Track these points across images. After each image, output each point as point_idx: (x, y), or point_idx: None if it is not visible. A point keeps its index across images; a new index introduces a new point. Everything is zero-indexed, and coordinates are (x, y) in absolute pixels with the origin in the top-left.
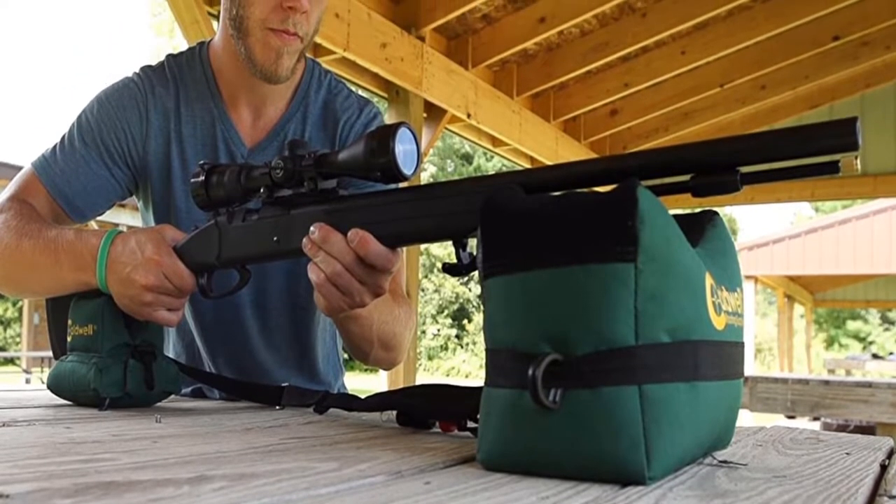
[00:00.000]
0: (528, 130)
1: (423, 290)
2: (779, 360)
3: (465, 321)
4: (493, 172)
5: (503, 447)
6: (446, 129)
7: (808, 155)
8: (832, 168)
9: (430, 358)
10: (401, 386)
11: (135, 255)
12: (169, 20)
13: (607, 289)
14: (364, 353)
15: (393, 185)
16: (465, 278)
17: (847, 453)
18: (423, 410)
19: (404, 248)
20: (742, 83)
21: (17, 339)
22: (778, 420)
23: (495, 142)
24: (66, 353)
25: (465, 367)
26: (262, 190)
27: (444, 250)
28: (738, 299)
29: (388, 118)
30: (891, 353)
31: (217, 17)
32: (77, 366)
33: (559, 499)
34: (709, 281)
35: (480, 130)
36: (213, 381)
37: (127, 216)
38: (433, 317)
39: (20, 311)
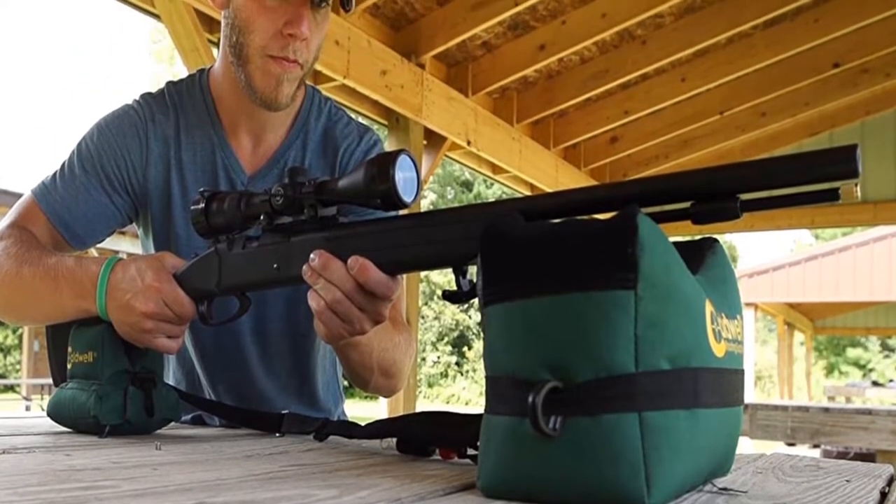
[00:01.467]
0: (529, 158)
1: (423, 318)
2: (779, 388)
3: (466, 348)
4: (493, 200)
5: (503, 474)
6: (446, 156)
7: (808, 182)
8: (832, 195)
9: (430, 385)
10: (401, 413)
11: (135, 282)
12: (169, 47)
13: (607, 316)
14: (364, 381)
15: (393, 213)
16: (466, 305)
17: (847, 480)
18: (423, 438)
19: (404, 276)
20: (742, 110)
21: (17, 367)
22: (778, 447)
23: (495, 169)
24: (66, 380)
25: (466, 394)
26: (262, 217)
27: (444, 277)
28: (737, 326)
29: (388, 145)
30: (891, 381)
31: (217, 45)
32: (77, 393)
33: None
34: (709, 308)
35: (480, 158)
36: (212, 408)
37: (127, 243)
38: (433, 344)
39: (20, 338)
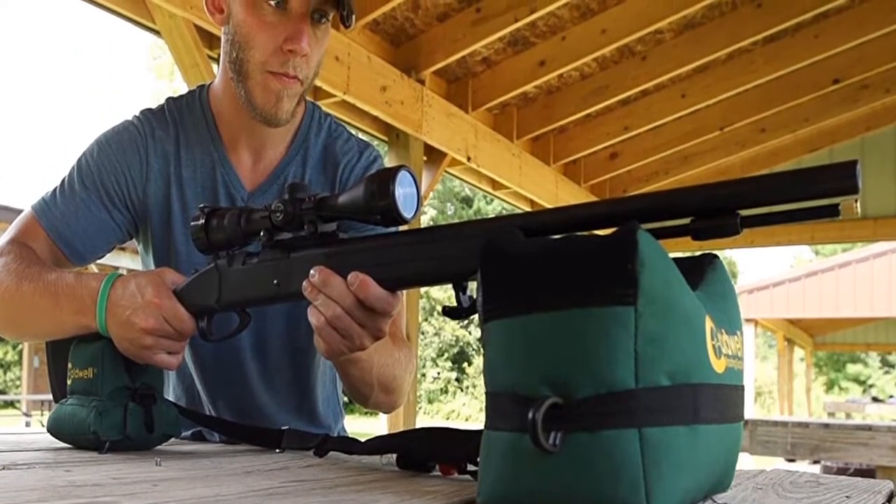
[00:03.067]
0: (528, 173)
1: (423, 334)
2: (779, 404)
3: (466, 364)
4: (493, 216)
5: (503, 490)
6: (446, 172)
7: (808, 198)
8: (832, 211)
9: (430, 401)
10: (401, 429)
11: (135, 298)
12: (169, 63)
13: (607, 332)
14: (364, 397)
15: (393, 229)
16: (466, 321)
17: (847, 496)
18: (424, 453)
19: (404, 292)
20: (742, 126)
21: (18, 383)
22: (778, 463)
23: (495, 185)
24: (66, 396)
25: (466, 410)
26: (262, 233)
27: (444, 293)
28: (738, 342)
29: (388, 161)
30: (891, 397)
31: (217, 61)
32: (77, 409)
33: None
34: (709, 324)
35: (480, 173)
36: (212, 424)
37: (127, 259)
38: (433, 360)
39: (20, 354)
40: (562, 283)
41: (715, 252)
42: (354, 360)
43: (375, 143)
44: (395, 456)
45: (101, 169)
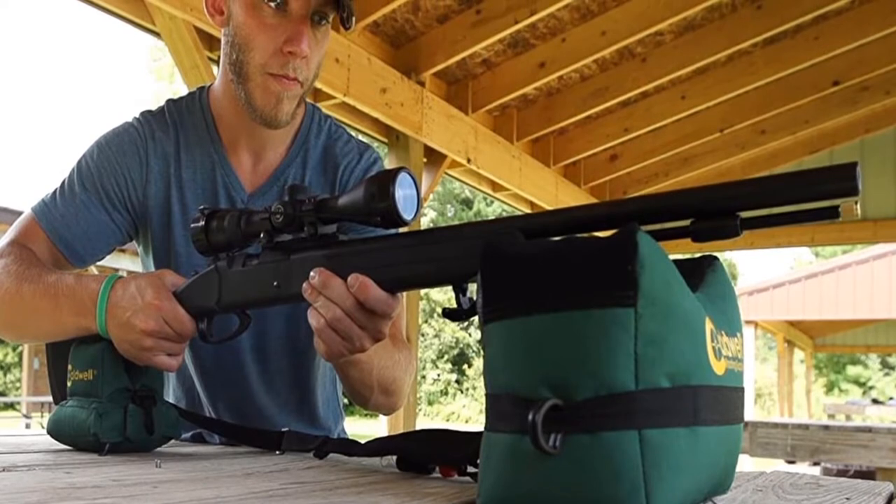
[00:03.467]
0: (528, 175)
1: (423, 335)
2: (779, 405)
3: (466, 366)
4: (493, 217)
5: (503, 492)
6: (446, 174)
7: (808, 200)
8: (832, 213)
9: (430, 403)
10: (401, 431)
11: (135, 300)
12: (169, 65)
13: (607, 333)
14: (364, 398)
15: (393, 230)
16: (466, 323)
17: (847, 498)
18: (424, 455)
19: (404, 293)
20: (742, 128)
21: (18, 384)
22: (778, 465)
23: (495, 187)
24: (66, 397)
25: (466, 412)
26: (261, 235)
27: (444, 295)
28: (738, 344)
29: (388, 163)
30: (891, 398)
31: (217, 62)
32: (77, 411)
33: None
34: (709, 325)
35: (480, 175)
36: (212, 425)
37: (127, 261)
38: (433, 362)
39: (20, 356)
40: (562, 285)
41: (715, 254)
42: (354, 361)
43: (375, 144)
44: (395, 458)
45: (101, 171)
